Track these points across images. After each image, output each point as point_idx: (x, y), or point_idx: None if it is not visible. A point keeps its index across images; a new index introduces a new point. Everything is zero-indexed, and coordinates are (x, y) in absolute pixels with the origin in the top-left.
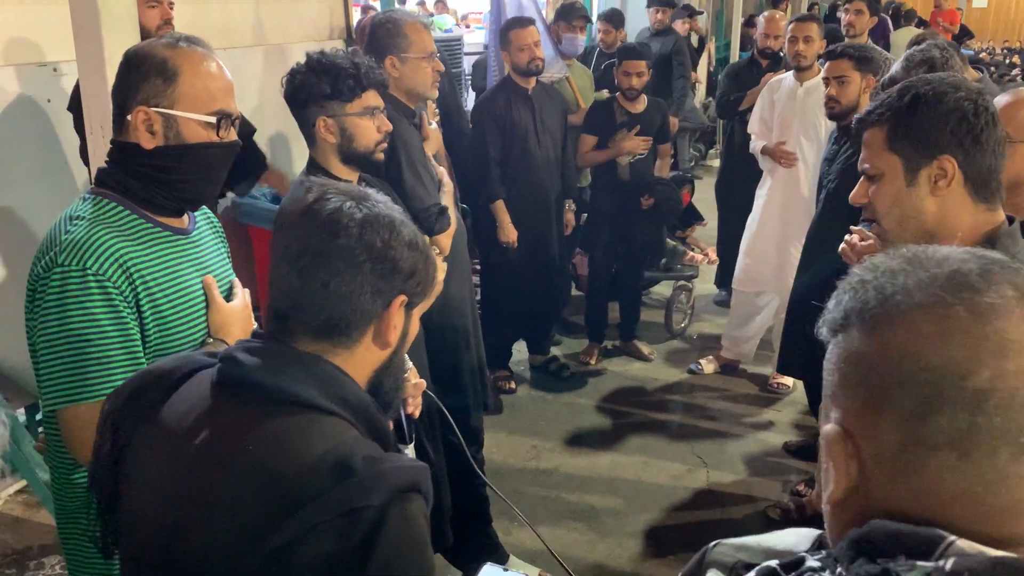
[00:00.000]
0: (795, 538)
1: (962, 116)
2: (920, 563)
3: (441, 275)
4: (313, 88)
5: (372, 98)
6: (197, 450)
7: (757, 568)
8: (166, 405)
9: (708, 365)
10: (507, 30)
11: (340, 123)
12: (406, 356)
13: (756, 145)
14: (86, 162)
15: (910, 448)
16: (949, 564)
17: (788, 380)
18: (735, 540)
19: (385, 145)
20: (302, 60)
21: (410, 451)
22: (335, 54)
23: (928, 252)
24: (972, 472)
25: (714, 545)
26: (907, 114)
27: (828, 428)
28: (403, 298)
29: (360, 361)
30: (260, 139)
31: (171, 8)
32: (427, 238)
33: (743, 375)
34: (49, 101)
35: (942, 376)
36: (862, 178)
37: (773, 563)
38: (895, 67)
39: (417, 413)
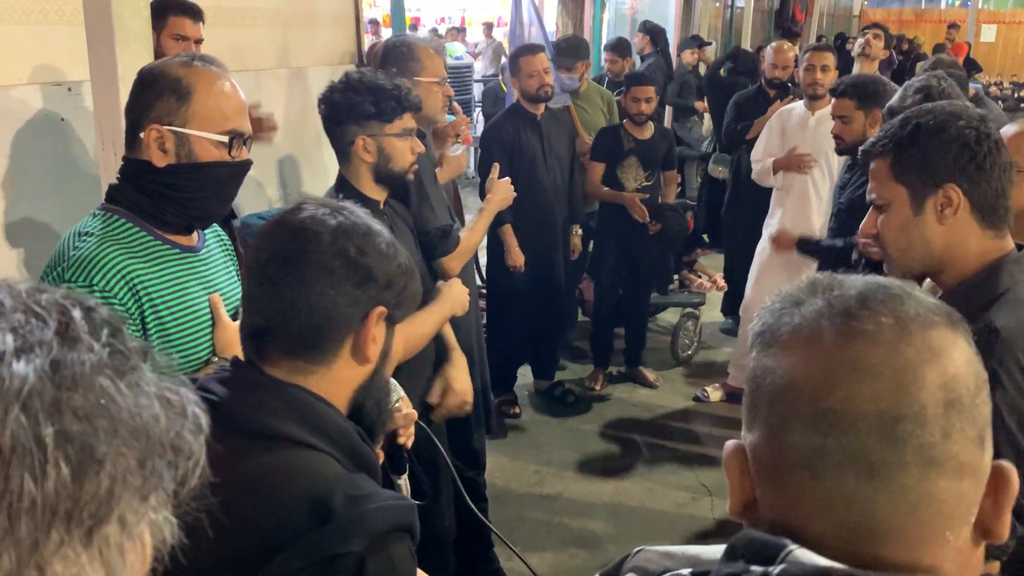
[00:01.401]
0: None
1: (964, 144)
2: (754, 567)
3: (465, 297)
4: (356, 107)
5: (409, 120)
6: None
7: (669, 574)
8: None
9: (714, 393)
10: (517, 57)
11: (379, 143)
12: (395, 383)
13: (765, 164)
14: None
15: (775, 466)
16: (777, 570)
17: None
18: (662, 547)
19: (416, 166)
20: (314, 83)
21: (403, 482)
22: (375, 75)
23: (830, 280)
24: (822, 492)
25: (638, 551)
26: (909, 144)
27: (728, 443)
28: (381, 310)
29: (339, 379)
30: (271, 161)
31: (197, 46)
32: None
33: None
34: (63, 120)
35: (799, 395)
36: (871, 208)
37: (685, 571)
38: (894, 97)
39: (409, 443)
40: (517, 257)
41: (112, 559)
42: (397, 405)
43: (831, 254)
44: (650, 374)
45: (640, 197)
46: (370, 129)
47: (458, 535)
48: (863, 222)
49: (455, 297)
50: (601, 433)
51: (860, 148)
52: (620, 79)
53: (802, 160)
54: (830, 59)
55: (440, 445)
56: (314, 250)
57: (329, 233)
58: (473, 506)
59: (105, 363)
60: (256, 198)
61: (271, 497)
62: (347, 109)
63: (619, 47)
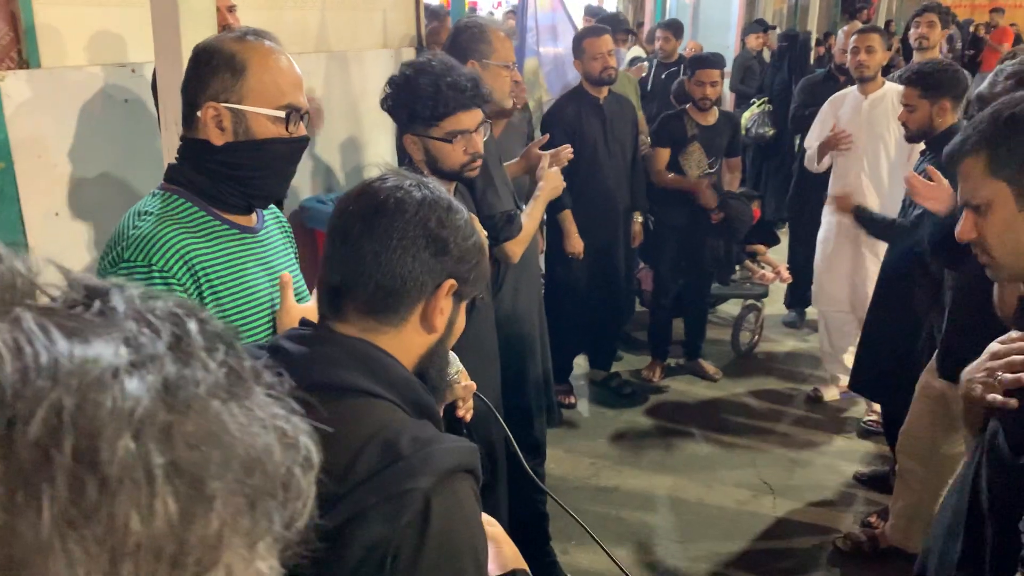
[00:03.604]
0: None
1: None
2: None
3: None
4: (396, 109)
5: (458, 122)
6: None
7: None
8: None
9: (828, 392)
10: (580, 39)
11: (424, 143)
12: (454, 356)
13: (812, 148)
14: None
15: None
16: None
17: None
18: None
19: (478, 163)
20: (374, 65)
21: None
22: (428, 70)
23: None
24: None
25: None
26: (1007, 136)
27: None
28: (452, 283)
29: (406, 343)
30: (329, 144)
31: (231, 13)
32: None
33: (811, 400)
34: (126, 101)
35: None
36: (965, 212)
37: None
38: (983, 84)
39: (468, 416)
40: (576, 244)
41: None
42: (456, 377)
43: (882, 227)
44: (710, 367)
45: (706, 184)
46: (413, 129)
47: (514, 527)
48: (958, 227)
49: (552, 184)
50: (659, 426)
51: (945, 150)
52: (672, 60)
53: (839, 138)
54: (876, 40)
55: (502, 419)
56: (398, 217)
57: (414, 203)
58: (543, 486)
59: (220, 384)
60: (315, 182)
61: (342, 441)
62: (390, 106)
63: (672, 26)
